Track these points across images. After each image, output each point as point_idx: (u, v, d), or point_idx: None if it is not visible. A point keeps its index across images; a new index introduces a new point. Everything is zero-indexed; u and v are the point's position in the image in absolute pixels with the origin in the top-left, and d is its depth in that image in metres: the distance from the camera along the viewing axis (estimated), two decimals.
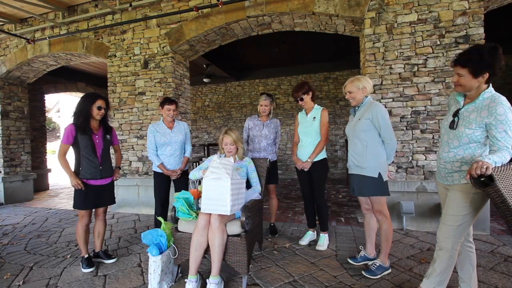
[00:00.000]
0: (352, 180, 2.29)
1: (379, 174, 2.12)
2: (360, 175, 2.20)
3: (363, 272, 2.21)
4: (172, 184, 3.10)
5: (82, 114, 2.38)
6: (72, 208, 4.82)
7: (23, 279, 2.31)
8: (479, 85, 1.53)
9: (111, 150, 2.69)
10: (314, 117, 2.77)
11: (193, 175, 2.50)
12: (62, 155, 2.37)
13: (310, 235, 2.95)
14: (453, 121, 1.63)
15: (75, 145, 2.39)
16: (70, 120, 2.44)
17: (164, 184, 3.03)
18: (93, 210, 2.55)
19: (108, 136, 2.55)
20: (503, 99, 1.46)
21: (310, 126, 2.77)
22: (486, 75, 1.48)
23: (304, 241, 2.90)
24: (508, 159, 1.41)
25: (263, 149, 3.11)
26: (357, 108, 2.27)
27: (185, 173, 3.11)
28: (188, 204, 2.21)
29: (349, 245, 2.83)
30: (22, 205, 5.30)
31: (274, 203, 3.24)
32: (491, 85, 1.55)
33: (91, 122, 2.44)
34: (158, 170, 3.00)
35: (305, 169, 2.75)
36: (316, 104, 2.83)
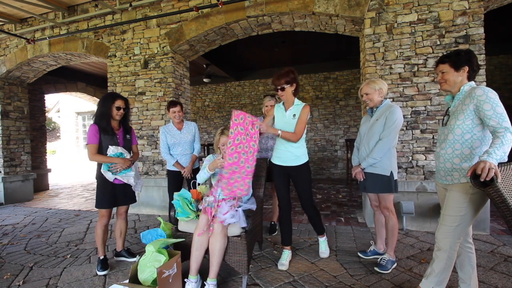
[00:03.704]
0: (365, 178, 2.33)
1: (391, 172, 2.22)
2: (372, 173, 2.27)
3: (376, 269, 2.27)
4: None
5: (103, 115, 2.41)
6: (72, 209, 4.88)
7: (23, 279, 2.31)
8: (462, 80, 1.63)
9: None
10: (294, 115, 2.33)
11: (200, 178, 2.35)
12: (93, 154, 2.36)
13: (287, 254, 2.46)
14: (443, 119, 1.74)
15: (98, 145, 2.40)
16: (91, 121, 2.46)
17: (178, 182, 3.25)
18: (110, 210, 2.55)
19: (128, 136, 2.59)
20: (483, 86, 1.55)
21: (289, 124, 2.33)
22: (466, 69, 1.61)
23: (285, 266, 2.37)
24: (511, 139, 1.39)
25: (270, 149, 3.10)
26: (375, 109, 2.31)
27: (195, 171, 3.19)
28: (186, 203, 2.21)
29: (349, 245, 2.83)
30: (22, 205, 5.30)
31: (277, 201, 3.20)
32: (473, 82, 1.64)
33: (112, 122, 2.47)
34: (172, 168, 3.22)
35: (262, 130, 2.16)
36: (296, 99, 2.39)
